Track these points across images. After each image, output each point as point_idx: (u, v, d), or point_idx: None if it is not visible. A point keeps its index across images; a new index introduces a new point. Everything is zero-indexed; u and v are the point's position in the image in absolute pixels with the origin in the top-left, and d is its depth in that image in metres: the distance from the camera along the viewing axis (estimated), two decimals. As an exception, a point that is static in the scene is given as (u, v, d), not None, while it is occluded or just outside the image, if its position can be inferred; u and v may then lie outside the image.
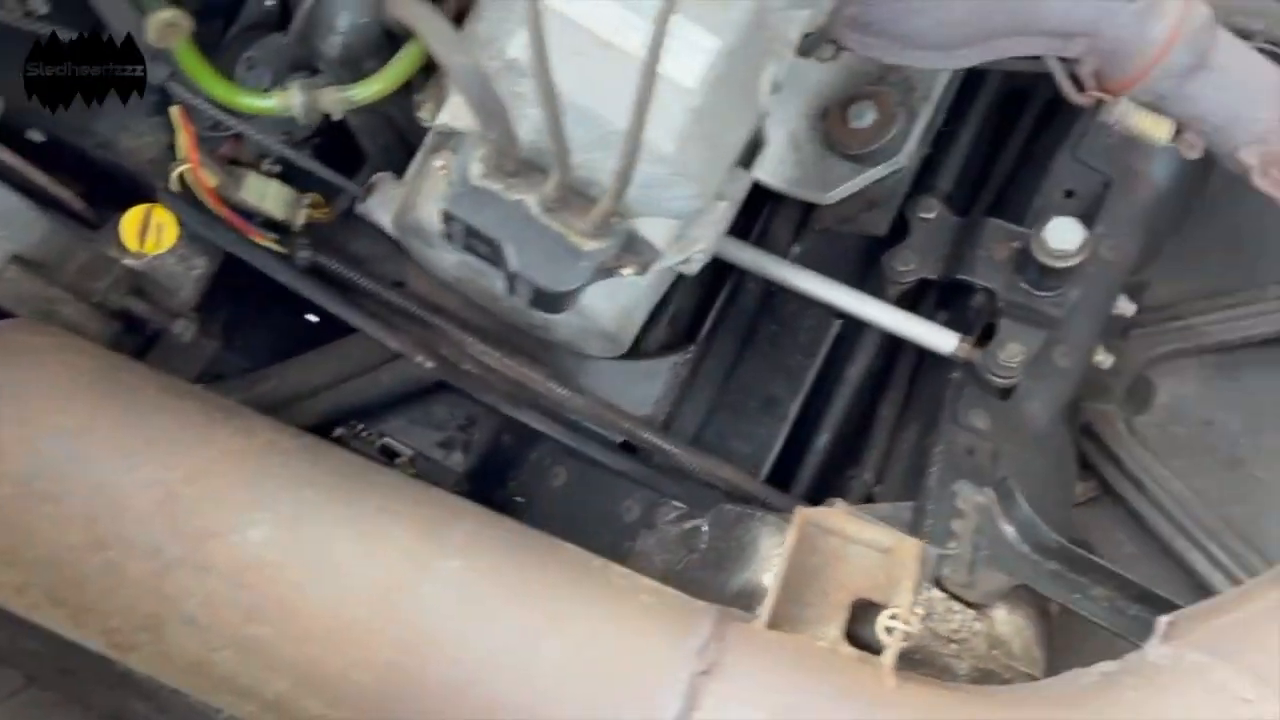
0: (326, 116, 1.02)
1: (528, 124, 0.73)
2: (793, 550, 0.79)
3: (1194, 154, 0.99)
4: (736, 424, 1.18)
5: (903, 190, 1.22)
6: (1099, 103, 0.97)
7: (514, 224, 0.76)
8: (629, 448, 1.17)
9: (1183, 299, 1.34)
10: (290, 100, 0.81)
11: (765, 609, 0.77)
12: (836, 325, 1.19)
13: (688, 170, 0.77)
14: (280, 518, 0.74)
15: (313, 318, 1.21)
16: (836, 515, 0.84)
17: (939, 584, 0.97)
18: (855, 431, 1.25)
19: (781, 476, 1.19)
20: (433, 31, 0.68)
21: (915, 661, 0.93)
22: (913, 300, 1.25)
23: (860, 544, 0.82)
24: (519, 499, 1.23)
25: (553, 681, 0.70)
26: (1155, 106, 0.97)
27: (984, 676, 0.93)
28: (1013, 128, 1.33)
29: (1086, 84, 0.96)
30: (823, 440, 1.21)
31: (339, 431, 1.28)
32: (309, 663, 0.71)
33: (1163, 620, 0.81)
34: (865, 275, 1.24)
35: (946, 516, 1.03)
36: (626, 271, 0.83)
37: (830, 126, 1.20)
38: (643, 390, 1.19)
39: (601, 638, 0.72)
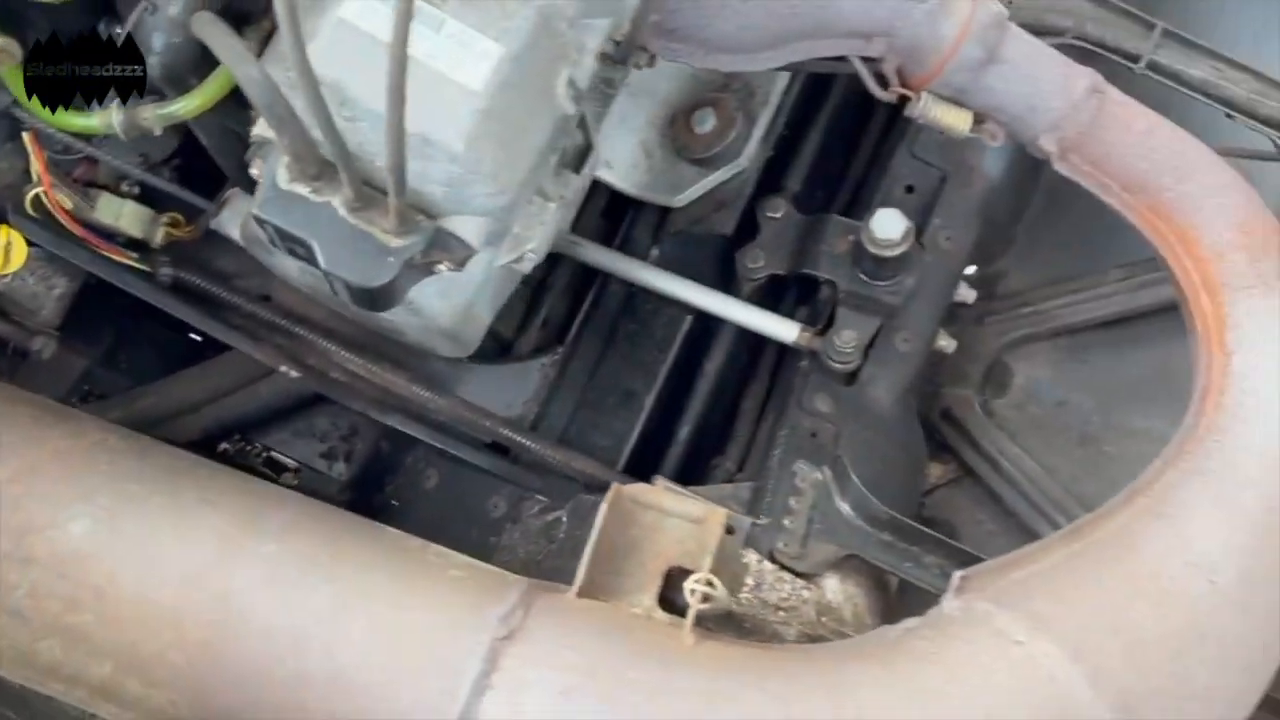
0: (188, 137, 1.07)
1: (329, 130, 0.78)
2: (603, 523, 0.84)
3: (995, 143, 1.05)
4: (599, 419, 1.23)
5: (748, 191, 1.28)
6: (903, 99, 1.03)
7: (321, 224, 0.81)
8: (499, 447, 1.21)
9: (1032, 286, 1.41)
10: (110, 118, 0.85)
11: (576, 579, 0.82)
12: (688, 321, 1.24)
13: (481, 169, 0.82)
14: (102, 511, 0.78)
15: (197, 335, 1.25)
16: (653, 490, 0.88)
17: (771, 556, 1.02)
18: (721, 423, 1.30)
19: (648, 467, 1.24)
20: (222, 46, 0.73)
21: (746, 629, 0.98)
22: (775, 296, 1.31)
23: (675, 516, 0.86)
24: (395, 502, 1.27)
25: (358, 652, 0.74)
26: (957, 100, 1.03)
27: (812, 642, 0.98)
28: (865, 129, 1.40)
29: (891, 81, 1.02)
30: (685, 431, 1.26)
31: (224, 446, 1.32)
32: (128, 647, 0.74)
33: (957, 575, 0.86)
34: (728, 274, 1.30)
35: (785, 494, 1.08)
36: (442, 267, 0.87)
37: (677, 133, 1.26)
38: (513, 392, 1.23)
39: (408, 610, 0.76)
